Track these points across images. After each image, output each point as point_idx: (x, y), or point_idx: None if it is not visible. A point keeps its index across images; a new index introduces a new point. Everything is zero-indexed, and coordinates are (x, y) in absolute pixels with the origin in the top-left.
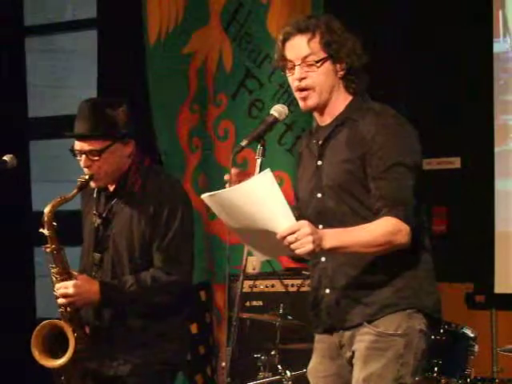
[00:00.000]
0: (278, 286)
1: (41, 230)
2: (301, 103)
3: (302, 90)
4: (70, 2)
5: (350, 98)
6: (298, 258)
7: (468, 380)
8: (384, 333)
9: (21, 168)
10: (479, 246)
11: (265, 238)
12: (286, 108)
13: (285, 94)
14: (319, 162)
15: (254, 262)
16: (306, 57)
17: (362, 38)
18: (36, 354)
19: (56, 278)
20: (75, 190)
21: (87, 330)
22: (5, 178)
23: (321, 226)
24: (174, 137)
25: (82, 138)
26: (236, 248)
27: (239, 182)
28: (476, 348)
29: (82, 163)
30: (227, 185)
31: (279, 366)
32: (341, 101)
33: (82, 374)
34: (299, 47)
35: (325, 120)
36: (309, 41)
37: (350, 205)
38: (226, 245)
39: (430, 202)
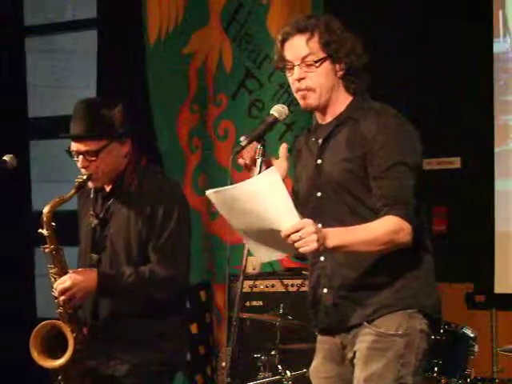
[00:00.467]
0: (278, 286)
1: (40, 230)
2: (301, 102)
3: (301, 90)
4: (70, 2)
5: (350, 97)
6: (302, 259)
7: (468, 380)
8: (385, 333)
9: (21, 168)
10: (479, 246)
11: (268, 237)
12: (286, 108)
13: (285, 94)
14: (319, 161)
15: (254, 262)
16: (305, 57)
17: (362, 38)
18: (35, 354)
19: (54, 278)
20: (73, 190)
21: (85, 330)
22: (5, 178)
23: (319, 225)
24: (174, 137)
25: (78, 138)
26: (236, 248)
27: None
28: (476, 348)
29: (79, 164)
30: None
31: (279, 366)
32: (341, 101)
33: (81, 373)
34: (298, 47)
35: (325, 119)
36: (308, 41)
37: (350, 204)
38: (226, 245)
39: (430, 202)
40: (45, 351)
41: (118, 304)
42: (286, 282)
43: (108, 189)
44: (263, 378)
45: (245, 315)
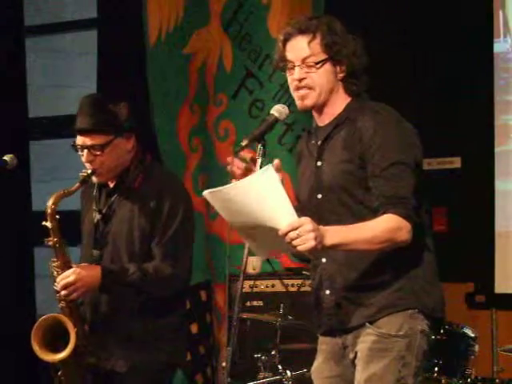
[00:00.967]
0: (279, 286)
1: (43, 222)
2: (298, 102)
3: (300, 88)
4: (70, 2)
5: (349, 99)
6: (301, 258)
7: (468, 380)
8: (386, 334)
9: (21, 168)
10: (479, 246)
11: (266, 235)
12: (286, 108)
13: (285, 94)
14: (319, 163)
15: (254, 261)
16: (306, 58)
17: (362, 39)
18: (36, 347)
19: (57, 271)
20: (78, 184)
21: (86, 327)
22: (5, 178)
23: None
24: (174, 137)
25: (83, 132)
26: (236, 248)
27: (243, 174)
28: (476, 348)
29: (83, 158)
30: (228, 167)
31: (279, 366)
32: (340, 102)
33: (81, 369)
34: (300, 48)
35: (323, 120)
36: (309, 42)
37: (350, 205)
38: (226, 245)
39: (430, 201)
40: (46, 345)
41: (119, 300)
42: (286, 281)
43: (112, 185)
44: (263, 378)
45: (245, 315)
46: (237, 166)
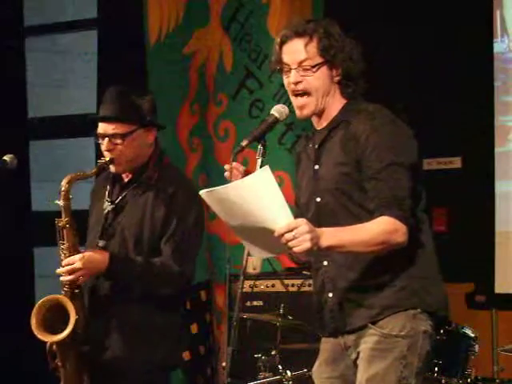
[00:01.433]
0: (279, 286)
1: (56, 201)
2: (297, 112)
3: (298, 95)
4: (71, 1)
5: (344, 101)
6: (300, 261)
7: (468, 380)
8: (388, 334)
9: (21, 168)
10: (480, 246)
11: (262, 236)
12: (286, 108)
13: (285, 94)
14: (316, 166)
15: (254, 261)
16: (302, 61)
17: (362, 40)
18: (34, 326)
19: (64, 254)
20: (95, 169)
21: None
22: (5, 178)
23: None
24: (174, 137)
25: (106, 120)
26: (236, 248)
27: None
28: (476, 348)
29: (103, 147)
30: (227, 173)
31: (279, 366)
32: (336, 105)
33: (78, 357)
34: (296, 51)
35: (320, 124)
36: (306, 45)
37: (349, 208)
38: (226, 245)
39: (430, 202)
40: (45, 325)
41: (120, 290)
42: (286, 281)
43: (127, 178)
44: (263, 378)
45: (245, 315)
46: (236, 168)
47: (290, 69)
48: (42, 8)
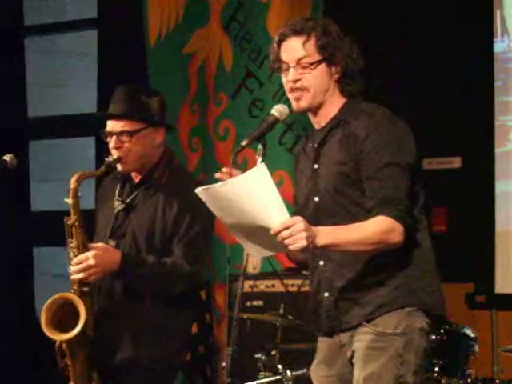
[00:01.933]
0: (279, 286)
1: (65, 199)
2: (293, 104)
3: (295, 90)
4: (70, 1)
5: (343, 100)
6: (298, 261)
7: (468, 380)
8: (383, 332)
9: (20, 168)
10: (479, 246)
11: (258, 234)
12: (286, 108)
13: (285, 94)
14: (315, 166)
15: (254, 261)
16: (300, 59)
17: (362, 39)
18: (45, 325)
19: (73, 252)
20: (103, 168)
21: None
22: (4, 178)
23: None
24: (174, 136)
25: (115, 117)
26: (236, 248)
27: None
28: (476, 348)
29: (111, 145)
30: (218, 174)
31: (279, 366)
32: (335, 104)
33: (87, 355)
34: (294, 49)
35: (319, 123)
36: (304, 43)
37: (347, 207)
38: (226, 244)
39: (430, 201)
40: (55, 324)
41: (131, 289)
42: (286, 281)
43: (137, 179)
44: (263, 378)
45: (245, 315)
46: (234, 175)
47: (289, 67)
48: (42, 8)
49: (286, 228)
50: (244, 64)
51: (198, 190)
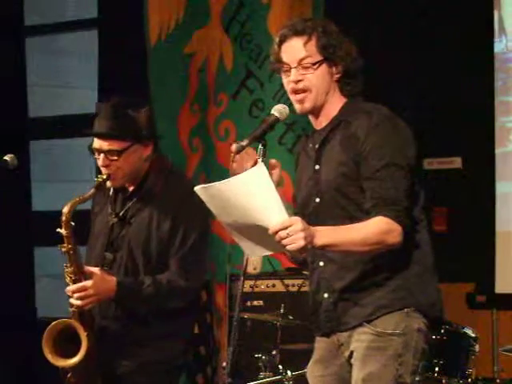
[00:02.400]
0: (279, 286)
1: (58, 229)
2: (296, 106)
3: (297, 92)
4: (71, 2)
5: (344, 100)
6: (297, 261)
7: (469, 380)
8: (382, 332)
9: (21, 168)
10: (480, 246)
11: (256, 233)
12: (286, 108)
13: (285, 94)
14: (317, 167)
15: (254, 261)
16: (302, 59)
17: (362, 39)
18: (48, 353)
19: (70, 277)
20: (93, 190)
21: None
22: (5, 178)
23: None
24: (175, 137)
25: (101, 136)
26: (236, 248)
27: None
28: (477, 348)
29: (99, 162)
30: (234, 164)
31: (280, 366)
32: (336, 103)
33: (92, 372)
34: (295, 50)
35: (320, 123)
36: (305, 43)
37: (348, 208)
38: (227, 245)
39: (430, 201)
40: (57, 350)
41: (130, 310)
42: (286, 281)
43: (130, 188)
44: (264, 378)
45: (245, 315)
46: (248, 153)
47: (290, 68)
48: (43, 8)
49: (284, 228)
50: (244, 64)
51: (197, 189)
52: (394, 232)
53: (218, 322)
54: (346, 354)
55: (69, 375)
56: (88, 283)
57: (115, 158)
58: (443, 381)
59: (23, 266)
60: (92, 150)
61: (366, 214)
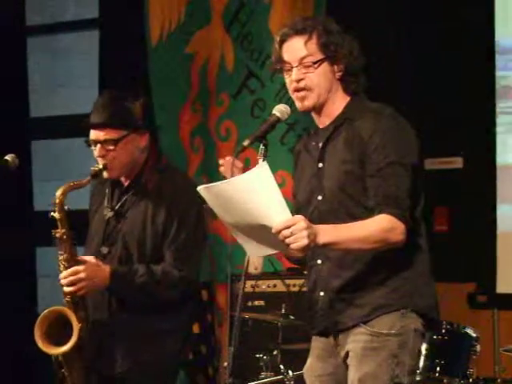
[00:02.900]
0: (280, 286)
1: (51, 213)
2: (298, 104)
3: (299, 90)
4: (72, 1)
5: (347, 98)
6: (296, 261)
7: (470, 380)
8: (378, 333)
9: (22, 168)
10: (481, 246)
11: (259, 233)
12: (288, 108)
13: (287, 94)
14: (320, 165)
15: (255, 261)
16: (303, 58)
17: (363, 38)
18: (38, 339)
19: (63, 265)
20: (88, 178)
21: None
22: (6, 178)
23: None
24: (176, 137)
25: (97, 127)
26: (238, 248)
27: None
28: (478, 348)
29: (96, 153)
30: (222, 168)
31: (281, 366)
32: (339, 102)
33: (85, 366)
34: (296, 49)
35: (323, 122)
36: (306, 42)
37: (350, 207)
38: (228, 244)
39: (431, 201)
40: (49, 338)
41: (124, 299)
42: (287, 281)
43: (126, 183)
44: (265, 378)
45: (246, 315)
46: (235, 165)
47: (292, 67)
48: (44, 8)
49: (288, 226)
50: (245, 64)
51: (200, 189)
52: (397, 230)
53: (219, 322)
54: (342, 354)
55: (63, 370)
56: (80, 267)
57: (111, 147)
58: (444, 381)
59: (24, 265)
60: (89, 143)
61: (368, 212)
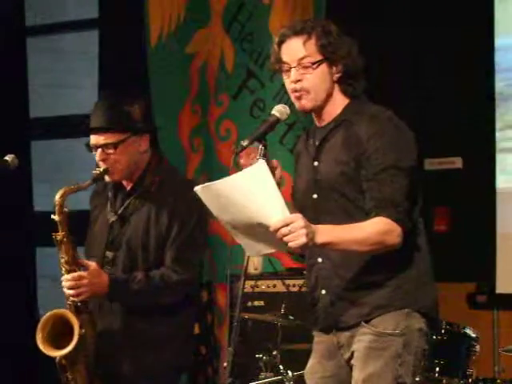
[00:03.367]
0: (280, 286)
1: (52, 216)
2: (296, 103)
3: (297, 91)
4: (72, 1)
5: (347, 100)
6: (299, 255)
7: (470, 380)
8: (383, 332)
9: (22, 168)
10: (481, 246)
11: (257, 232)
12: (287, 108)
13: (286, 94)
14: (315, 163)
15: (255, 261)
16: (301, 59)
17: (363, 39)
18: (40, 341)
19: (65, 268)
20: (89, 181)
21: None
22: (6, 178)
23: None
24: (176, 137)
25: (97, 131)
26: (237, 248)
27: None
28: (478, 348)
29: (97, 157)
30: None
31: (281, 366)
32: (338, 103)
33: (89, 370)
34: (295, 49)
35: (322, 122)
36: (304, 43)
37: (345, 206)
38: (228, 245)
39: (431, 201)
40: (51, 341)
41: (124, 306)
42: (287, 282)
43: (128, 186)
44: (265, 378)
45: (246, 315)
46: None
47: (290, 68)
48: (44, 8)
49: (286, 225)
50: (245, 64)
51: (197, 189)
52: (394, 233)
53: (218, 322)
54: (347, 355)
55: (67, 373)
56: (84, 273)
57: (111, 151)
58: (444, 381)
59: (24, 266)
60: (90, 147)
61: (362, 213)
